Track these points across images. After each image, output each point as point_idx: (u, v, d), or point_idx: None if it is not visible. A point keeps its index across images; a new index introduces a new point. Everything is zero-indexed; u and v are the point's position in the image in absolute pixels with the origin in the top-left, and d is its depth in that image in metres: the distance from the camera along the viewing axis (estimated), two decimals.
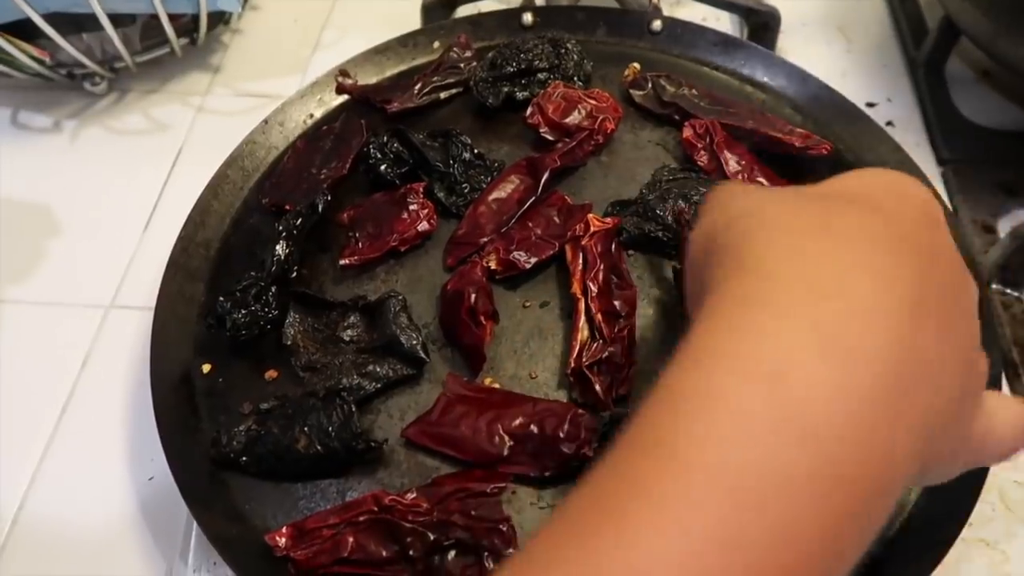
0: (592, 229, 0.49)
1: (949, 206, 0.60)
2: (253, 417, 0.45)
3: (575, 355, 0.45)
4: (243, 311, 0.47)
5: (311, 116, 0.61)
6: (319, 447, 0.43)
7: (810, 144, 0.54)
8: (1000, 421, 0.26)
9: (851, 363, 0.20)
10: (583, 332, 0.46)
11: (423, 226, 0.52)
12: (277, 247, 0.50)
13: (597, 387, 0.44)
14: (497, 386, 0.46)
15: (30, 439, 0.52)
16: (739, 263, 0.23)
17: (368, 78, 0.63)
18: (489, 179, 0.54)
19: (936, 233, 0.25)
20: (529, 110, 0.56)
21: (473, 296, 0.47)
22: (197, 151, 0.67)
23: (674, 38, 0.63)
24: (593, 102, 0.56)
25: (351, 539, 0.40)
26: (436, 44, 0.64)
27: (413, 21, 0.70)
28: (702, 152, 0.54)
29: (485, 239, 0.51)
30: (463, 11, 0.71)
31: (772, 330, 0.21)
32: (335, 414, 0.43)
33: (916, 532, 0.41)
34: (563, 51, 0.60)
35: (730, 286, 0.23)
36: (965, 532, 0.40)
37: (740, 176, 0.52)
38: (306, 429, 0.43)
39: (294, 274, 0.51)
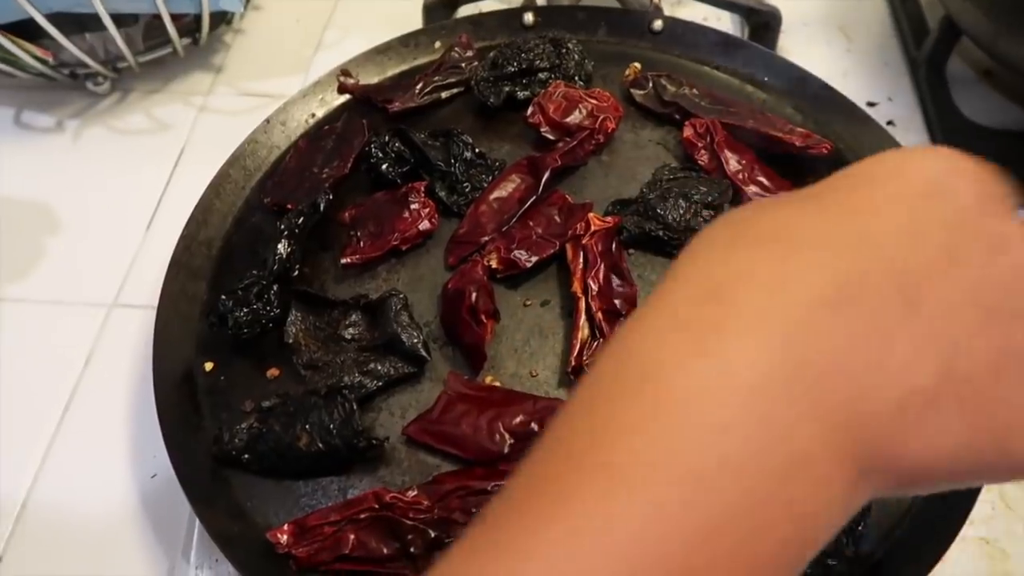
0: (593, 228, 0.49)
1: None
2: (255, 415, 0.45)
3: (576, 354, 0.46)
4: (245, 309, 0.47)
5: (313, 116, 0.61)
6: (320, 445, 0.43)
7: (811, 143, 0.54)
8: None
9: (726, 369, 0.20)
10: (584, 331, 0.46)
11: (424, 225, 0.52)
12: (279, 246, 0.50)
13: None
14: (498, 384, 0.46)
15: (33, 437, 0.52)
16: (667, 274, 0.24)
17: (370, 78, 0.63)
18: (490, 178, 0.54)
19: (931, 205, 0.22)
20: (530, 110, 0.56)
21: (474, 295, 0.47)
22: (199, 150, 0.68)
23: (675, 38, 0.63)
24: (594, 101, 0.57)
25: (352, 536, 0.40)
26: (437, 44, 0.65)
27: (415, 21, 0.70)
28: (703, 151, 0.54)
29: (486, 238, 0.51)
30: (464, 11, 0.71)
31: (647, 331, 0.22)
32: (336, 412, 0.43)
33: (916, 530, 0.41)
34: (564, 51, 0.60)
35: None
36: (965, 530, 0.40)
37: (740, 175, 0.53)
38: (308, 427, 0.43)
39: (296, 273, 0.51)
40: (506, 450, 0.42)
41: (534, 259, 0.50)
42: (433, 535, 0.40)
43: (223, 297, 0.48)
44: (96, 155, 0.68)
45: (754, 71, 0.61)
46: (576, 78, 0.59)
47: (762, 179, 0.53)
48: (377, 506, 0.41)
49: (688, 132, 0.55)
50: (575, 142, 0.54)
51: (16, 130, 0.70)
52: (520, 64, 0.59)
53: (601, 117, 0.55)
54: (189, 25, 0.69)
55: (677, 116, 0.57)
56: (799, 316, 0.21)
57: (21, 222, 0.64)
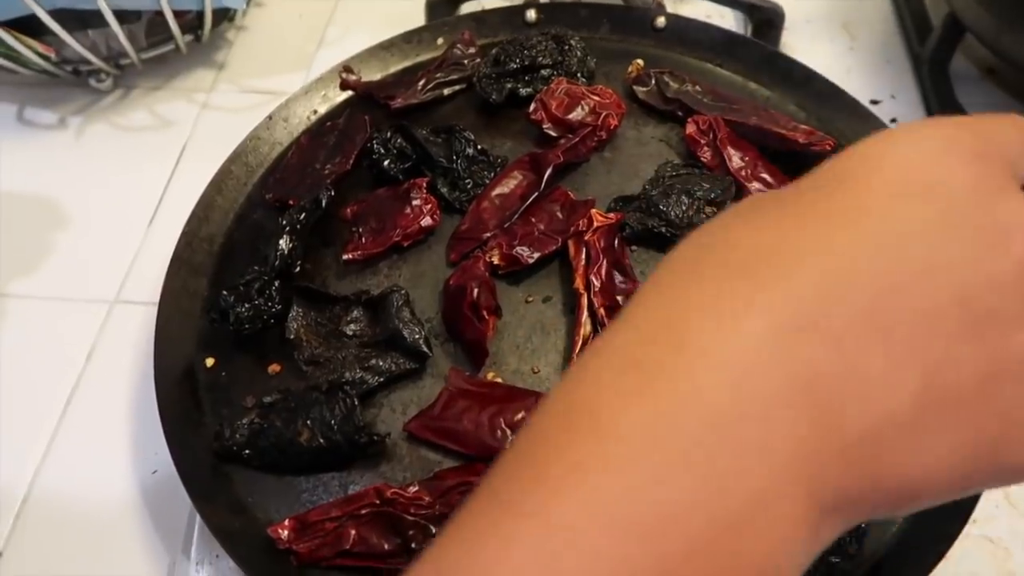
0: (595, 224, 0.49)
1: None
2: (256, 410, 0.45)
3: (578, 350, 0.45)
4: (246, 305, 0.47)
5: (315, 112, 0.61)
6: (321, 440, 0.43)
7: (813, 140, 0.53)
8: None
9: (668, 411, 0.19)
10: (586, 327, 0.46)
11: (426, 221, 0.52)
12: (280, 242, 0.50)
13: None
14: (499, 381, 0.46)
15: (35, 433, 0.52)
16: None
17: (372, 74, 0.63)
18: (492, 175, 0.54)
19: (911, 206, 0.20)
20: (532, 106, 0.56)
21: (476, 291, 0.47)
22: (201, 147, 0.68)
23: (678, 35, 0.63)
24: (596, 98, 0.56)
25: (353, 532, 0.40)
26: (440, 41, 0.64)
27: (417, 18, 0.70)
28: (705, 148, 0.54)
29: (488, 234, 0.51)
30: (467, 8, 0.71)
31: (598, 370, 0.21)
32: (338, 408, 0.43)
33: (919, 529, 0.41)
34: (566, 48, 0.60)
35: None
36: (969, 529, 0.40)
37: (743, 172, 0.52)
38: (309, 423, 0.43)
39: (297, 269, 0.51)
40: (507, 446, 0.42)
41: (536, 255, 0.49)
42: (434, 531, 0.40)
43: (224, 293, 0.48)
44: (98, 152, 0.68)
45: (757, 68, 0.61)
46: (578, 75, 0.59)
47: (765, 176, 0.53)
48: (378, 502, 0.41)
49: (691, 129, 0.55)
50: (577, 139, 0.54)
51: (19, 127, 0.70)
52: (522, 61, 0.59)
53: (603, 114, 0.55)
54: (191, 22, 0.69)
55: (680, 113, 0.57)
56: (755, 350, 0.19)
57: (24, 219, 0.64)
